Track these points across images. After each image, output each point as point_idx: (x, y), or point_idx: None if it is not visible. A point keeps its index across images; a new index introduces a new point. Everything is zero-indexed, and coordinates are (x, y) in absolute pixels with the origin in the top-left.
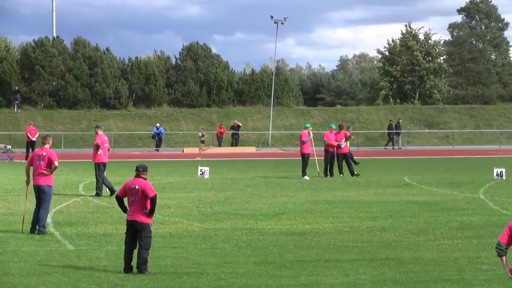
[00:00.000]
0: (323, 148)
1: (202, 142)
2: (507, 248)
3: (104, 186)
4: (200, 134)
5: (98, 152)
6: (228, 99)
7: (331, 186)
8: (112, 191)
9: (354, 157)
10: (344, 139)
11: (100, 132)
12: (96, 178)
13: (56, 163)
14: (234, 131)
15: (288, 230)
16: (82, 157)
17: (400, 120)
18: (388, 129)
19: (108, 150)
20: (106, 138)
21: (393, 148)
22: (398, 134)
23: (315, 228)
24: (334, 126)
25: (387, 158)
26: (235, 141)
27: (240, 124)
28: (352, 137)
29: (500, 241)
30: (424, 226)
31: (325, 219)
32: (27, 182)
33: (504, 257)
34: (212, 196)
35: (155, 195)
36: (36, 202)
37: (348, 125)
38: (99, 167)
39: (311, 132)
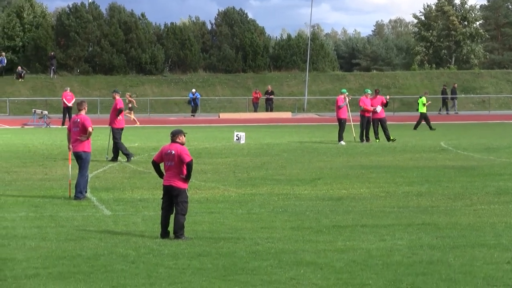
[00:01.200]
0: (359, 113)
1: (130, 109)
2: None
3: (109, 150)
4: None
5: (119, 117)
6: (264, 64)
7: (367, 151)
8: (115, 158)
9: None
10: (380, 105)
11: (118, 97)
12: (117, 144)
13: (90, 129)
14: (268, 96)
15: (324, 195)
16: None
17: (456, 85)
18: (441, 94)
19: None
20: (123, 103)
21: (447, 113)
22: (454, 99)
23: (351, 193)
24: (369, 91)
25: (423, 123)
26: (269, 107)
27: (273, 91)
28: (388, 102)
29: None
30: (460, 191)
31: (361, 184)
32: (69, 148)
33: None
34: (248, 161)
35: (191, 160)
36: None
37: (426, 91)
38: (118, 132)
39: (347, 97)
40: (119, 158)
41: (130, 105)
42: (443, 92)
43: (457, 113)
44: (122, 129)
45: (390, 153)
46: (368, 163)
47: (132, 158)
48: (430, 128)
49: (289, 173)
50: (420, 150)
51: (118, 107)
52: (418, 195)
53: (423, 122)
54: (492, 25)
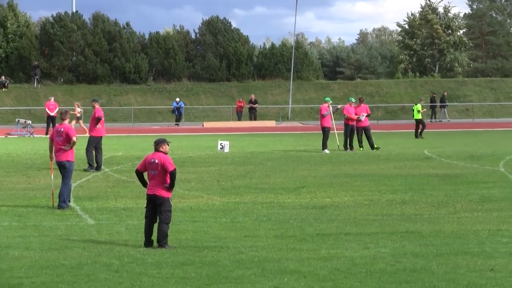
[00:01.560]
0: (342, 122)
1: (79, 118)
2: None
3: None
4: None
5: (98, 126)
6: (248, 73)
7: (351, 159)
8: (98, 168)
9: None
10: (364, 114)
11: (97, 106)
12: (86, 151)
13: (74, 139)
14: (252, 105)
15: (308, 203)
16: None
17: (445, 93)
18: (430, 102)
19: (103, 124)
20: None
21: (436, 121)
22: (443, 107)
23: (335, 201)
24: (353, 99)
25: (407, 131)
26: (253, 116)
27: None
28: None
29: None
30: (444, 199)
31: (345, 192)
32: (51, 158)
33: None
34: (232, 170)
35: (175, 169)
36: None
37: (421, 98)
38: (95, 140)
39: (331, 106)
40: (102, 167)
41: (78, 115)
42: (432, 100)
43: (448, 120)
44: (100, 137)
45: (374, 162)
46: (352, 171)
47: (91, 170)
48: (416, 135)
49: (273, 182)
50: (404, 158)
51: (96, 115)
52: (401, 203)
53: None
54: (476, 33)
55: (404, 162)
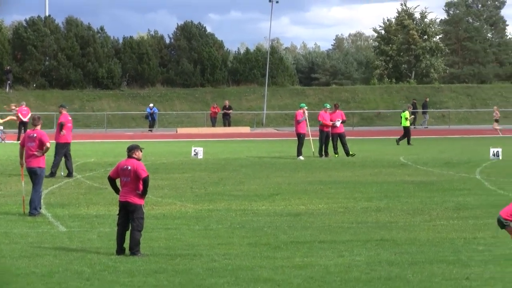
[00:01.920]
0: (318, 128)
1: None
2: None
3: (62, 167)
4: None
5: (61, 132)
6: (223, 78)
7: (326, 166)
8: (69, 175)
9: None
10: (339, 120)
11: (64, 112)
12: (55, 155)
13: (48, 145)
14: (226, 111)
15: (282, 211)
16: (74, 138)
17: (427, 99)
18: (422, 108)
19: (71, 130)
20: (70, 118)
21: (414, 127)
22: (424, 113)
23: (310, 208)
24: (328, 105)
25: (382, 138)
26: (227, 122)
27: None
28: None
29: (503, 216)
30: (419, 207)
31: (319, 199)
32: (22, 164)
33: (509, 227)
34: (205, 176)
35: (148, 176)
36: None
37: (408, 105)
38: (61, 147)
39: (306, 112)
40: (74, 173)
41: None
42: (413, 106)
43: (426, 127)
44: (67, 143)
45: (349, 168)
46: (327, 178)
47: (52, 178)
48: (397, 142)
49: (247, 189)
50: (379, 165)
51: (59, 121)
52: (376, 210)
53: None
54: (453, 39)
55: (380, 169)
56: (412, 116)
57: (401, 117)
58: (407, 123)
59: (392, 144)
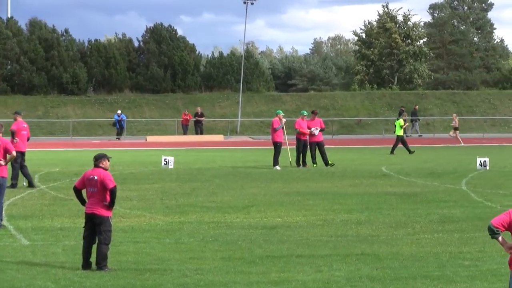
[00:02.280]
0: (294, 137)
1: None
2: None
3: (23, 178)
4: None
5: (14, 140)
6: (195, 84)
7: (303, 176)
8: (30, 184)
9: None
10: (317, 128)
11: (19, 119)
12: (12, 166)
13: (13, 153)
14: (198, 118)
15: (257, 223)
16: (38, 146)
17: (417, 107)
18: (411, 115)
19: (28, 139)
20: (25, 125)
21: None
22: (415, 121)
23: (287, 221)
24: (306, 112)
25: (363, 147)
26: (199, 130)
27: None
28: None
29: (494, 225)
30: (402, 219)
31: (297, 211)
32: None
33: (499, 237)
34: (176, 187)
35: (115, 186)
36: None
37: (403, 112)
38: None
39: (283, 119)
40: (38, 183)
41: None
42: (413, 113)
43: (421, 135)
44: (20, 152)
45: (328, 179)
46: (304, 189)
47: (14, 188)
48: (409, 151)
49: (221, 200)
50: (360, 175)
51: (10, 128)
52: (357, 223)
53: (400, 145)
54: (437, 43)
55: (360, 180)
56: (407, 124)
57: (395, 125)
58: (401, 132)
59: (373, 153)
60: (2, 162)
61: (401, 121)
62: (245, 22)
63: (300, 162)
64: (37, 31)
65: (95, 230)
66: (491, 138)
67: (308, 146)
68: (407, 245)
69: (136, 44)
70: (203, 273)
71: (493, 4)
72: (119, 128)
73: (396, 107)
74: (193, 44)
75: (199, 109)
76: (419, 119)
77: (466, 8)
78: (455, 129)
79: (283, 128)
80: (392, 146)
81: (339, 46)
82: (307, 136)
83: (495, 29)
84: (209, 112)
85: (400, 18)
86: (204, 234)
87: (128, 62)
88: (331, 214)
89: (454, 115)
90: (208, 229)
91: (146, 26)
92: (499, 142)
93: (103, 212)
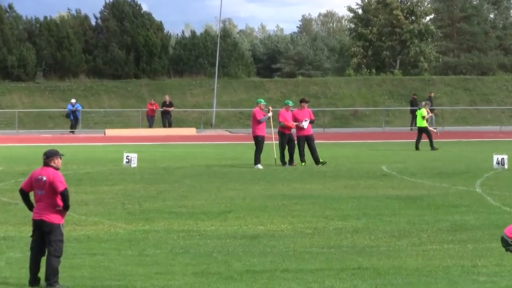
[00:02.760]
0: (278, 130)
1: None
2: None
3: None
4: None
5: None
6: (162, 68)
7: (290, 177)
8: None
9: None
10: (307, 120)
11: None
12: None
13: None
14: (166, 108)
15: (236, 232)
16: None
17: (432, 94)
18: (410, 106)
19: None
20: None
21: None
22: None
23: (270, 229)
24: (291, 102)
25: (360, 142)
26: (167, 122)
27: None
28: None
29: (508, 235)
30: (406, 227)
31: (282, 218)
32: None
33: None
34: (141, 189)
35: (66, 189)
36: None
37: (426, 101)
38: None
39: (271, 109)
40: None
41: None
42: (412, 103)
43: (436, 129)
44: None
45: (319, 180)
46: (291, 192)
47: None
48: (432, 147)
49: (192, 205)
50: (357, 175)
51: None
52: (353, 232)
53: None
54: (446, 20)
55: (357, 181)
56: (431, 115)
57: (416, 115)
58: (424, 123)
59: (372, 148)
60: None
61: (423, 111)
62: None
63: (286, 160)
64: None
65: (45, 240)
66: (510, 132)
67: (296, 141)
68: (411, 258)
69: (93, 21)
70: None
71: None
72: (73, 120)
73: (398, 95)
74: (161, 22)
75: (167, 98)
76: (434, 110)
77: None
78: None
79: (270, 119)
80: (415, 140)
81: (331, 24)
82: (292, 130)
83: None
84: (179, 101)
85: None
86: (173, 245)
87: (84, 43)
88: (323, 221)
89: (424, 102)
90: (178, 239)
91: (105, 1)
92: None
93: (53, 218)
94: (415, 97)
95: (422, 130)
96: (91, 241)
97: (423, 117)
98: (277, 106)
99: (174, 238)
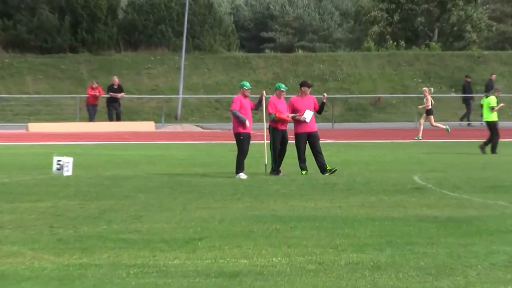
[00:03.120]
0: (268, 126)
1: None
2: None
3: None
4: None
5: None
6: (109, 38)
7: (285, 190)
8: None
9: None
10: (309, 111)
11: None
12: None
13: None
14: (113, 94)
15: (209, 268)
16: None
17: (493, 76)
18: (463, 92)
19: None
20: None
21: (468, 125)
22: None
23: (257, 264)
24: (284, 87)
25: (383, 141)
26: (115, 113)
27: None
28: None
29: None
30: (448, 262)
31: (274, 248)
32: None
33: None
34: (77, 207)
35: None
36: None
37: (496, 87)
38: None
39: (264, 94)
40: None
41: None
42: (465, 89)
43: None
44: None
45: (327, 195)
46: (286, 211)
47: None
48: (482, 148)
49: (148, 229)
50: (379, 189)
51: None
52: (374, 268)
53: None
54: None
55: (379, 196)
56: (502, 104)
57: (482, 105)
58: (493, 117)
59: (400, 151)
60: None
61: (491, 100)
62: None
63: (278, 167)
64: None
65: None
66: None
67: (294, 141)
68: None
69: None
70: None
71: None
72: None
73: (437, 77)
74: None
75: (115, 80)
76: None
77: None
78: (427, 112)
79: (262, 107)
80: (489, 142)
81: None
82: (286, 125)
83: None
84: (132, 84)
85: None
86: (122, 286)
87: (1, 4)
88: (331, 253)
89: (425, 89)
90: (128, 277)
91: None
92: None
93: None
94: (469, 80)
95: (491, 125)
96: (7, 280)
97: (491, 108)
98: (270, 92)
99: (122, 276)
